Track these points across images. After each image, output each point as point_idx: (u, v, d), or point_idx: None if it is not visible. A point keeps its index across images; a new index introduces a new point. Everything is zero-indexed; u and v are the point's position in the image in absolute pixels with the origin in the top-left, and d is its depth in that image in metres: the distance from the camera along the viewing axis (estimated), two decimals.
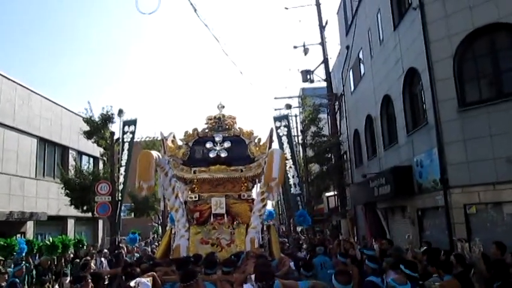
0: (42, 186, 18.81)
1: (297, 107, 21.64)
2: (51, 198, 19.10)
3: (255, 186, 8.17)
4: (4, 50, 75.85)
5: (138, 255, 11.89)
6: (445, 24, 9.04)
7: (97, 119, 16.65)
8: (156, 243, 18.83)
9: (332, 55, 22.97)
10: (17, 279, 7.54)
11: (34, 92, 18.61)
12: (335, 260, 7.81)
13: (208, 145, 8.06)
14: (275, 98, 26.52)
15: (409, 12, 10.45)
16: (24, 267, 8.73)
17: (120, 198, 15.83)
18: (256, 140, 8.14)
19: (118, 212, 15.69)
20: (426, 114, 9.75)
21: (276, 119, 16.66)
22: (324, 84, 17.59)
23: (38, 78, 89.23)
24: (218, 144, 8.03)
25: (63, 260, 11.54)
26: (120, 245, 14.59)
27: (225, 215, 7.61)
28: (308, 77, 17.75)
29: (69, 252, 12.68)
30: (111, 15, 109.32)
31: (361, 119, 15.43)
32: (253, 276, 4.47)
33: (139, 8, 7.43)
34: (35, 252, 12.46)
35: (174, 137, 8.37)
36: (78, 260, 11.49)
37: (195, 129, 8.37)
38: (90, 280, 4.26)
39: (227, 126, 8.35)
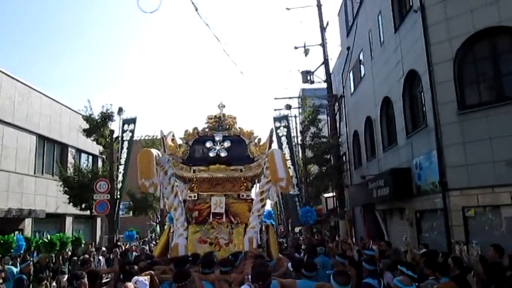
0: (40, 184, 18.77)
1: (297, 107, 21.67)
2: (49, 196, 19.06)
3: (255, 186, 8.16)
4: (4, 49, 75.82)
5: (136, 254, 11.89)
6: (446, 27, 9.06)
7: (97, 117, 16.66)
8: (154, 242, 18.85)
9: (332, 56, 23.06)
10: (24, 276, 7.53)
11: (34, 89, 18.55)
12: (334, 260, 7.80)
13: (208, 144, 8.07)
14: (275, 99, 26.60)
15: (410, 14, 10.46)
16: (31, 263, 8.74)
17: (118, 196, 15.83)
18: (256, 140, 8.15)
19: (116, 210, 15.68)
20: (426, 117, 9.76)
21: (275, 119, 16.65)
22: (324, 85, 17.61)
23: (38, 78, 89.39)
24: (218, 144, 8.04)
25: (61, 258, 11.53)
26: (118, 243, 14.58)
27: (224, 215, 7.61)
28: (308, 77, 17.79)
29: (67, 250, 12.67)
30: (111, 15, 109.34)
31: (361, 120, 15.45)
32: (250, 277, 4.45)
33: (141, 7, 7.43)
34: (32, 250, 12.46)
35: (174, 135, 8.36)
36: (76, 258, 11.49)
37: (195, 128, 8.36)
38: (86, 278, 4.25)
39: (227, 126, 8.35)
